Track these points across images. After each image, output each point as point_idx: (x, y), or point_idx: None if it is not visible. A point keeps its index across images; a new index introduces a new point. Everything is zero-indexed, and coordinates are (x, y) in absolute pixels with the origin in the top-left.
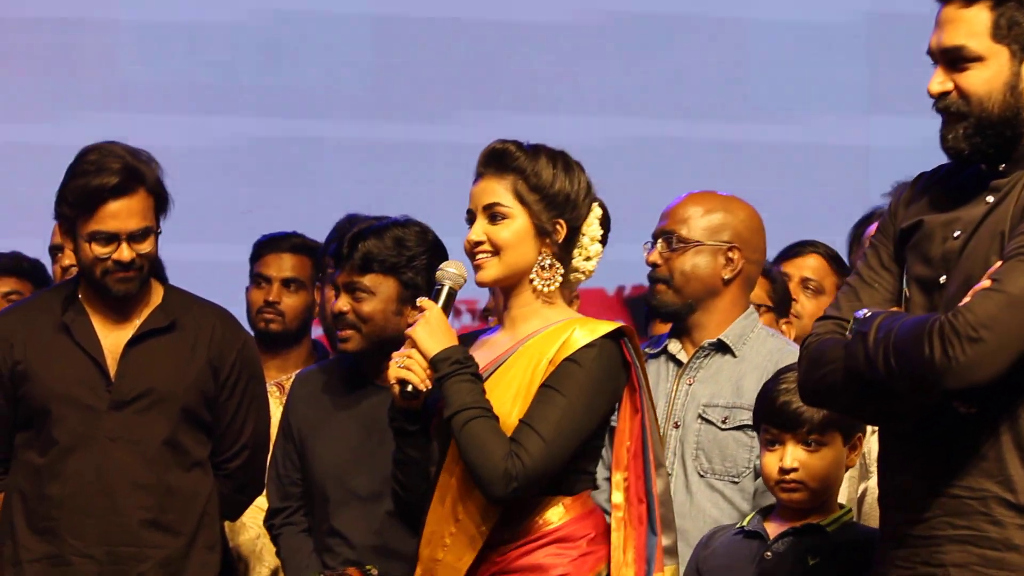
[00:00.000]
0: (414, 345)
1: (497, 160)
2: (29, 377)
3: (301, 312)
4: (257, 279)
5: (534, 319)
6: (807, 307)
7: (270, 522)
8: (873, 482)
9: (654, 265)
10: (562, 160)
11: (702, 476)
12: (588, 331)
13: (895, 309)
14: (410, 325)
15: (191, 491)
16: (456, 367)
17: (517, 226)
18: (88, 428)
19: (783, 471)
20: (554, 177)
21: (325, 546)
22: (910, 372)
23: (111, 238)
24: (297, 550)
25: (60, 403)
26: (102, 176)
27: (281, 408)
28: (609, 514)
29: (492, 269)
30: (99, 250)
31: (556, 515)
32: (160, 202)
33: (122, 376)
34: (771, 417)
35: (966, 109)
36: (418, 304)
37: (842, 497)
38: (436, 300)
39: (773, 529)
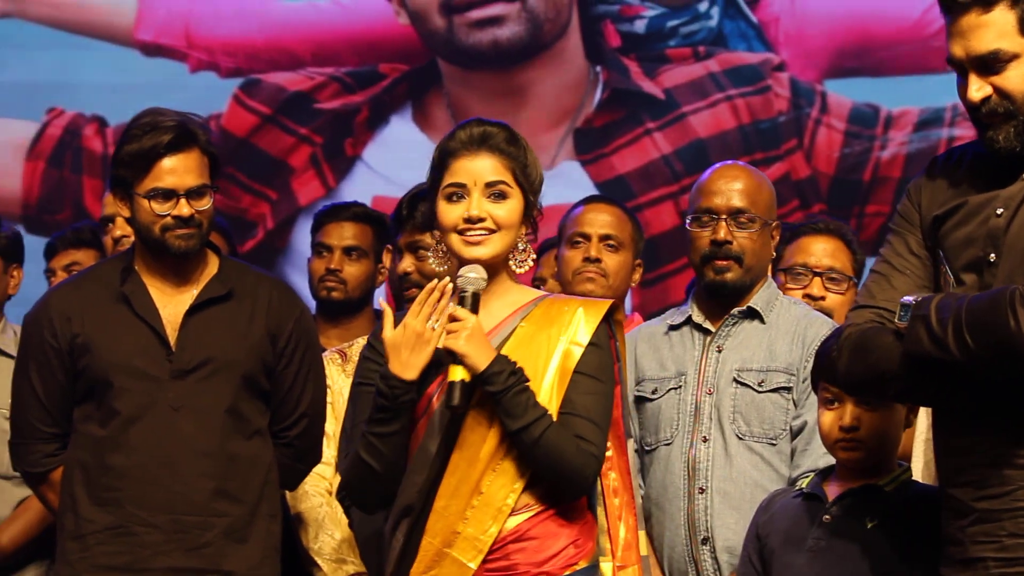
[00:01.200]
0: (457, 359)
1: (492, 140)
2: (89, 350)
3: (363, 280)
4: (319, 248)
5: (507, 297)
6: None
7: (341, 493)
8: None
9: (724, 242)
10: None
11: (741, 439)
12: (594, 312)
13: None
14: (447, 336)
15: (253, 459)
16: (513, 379)
17: (514, 206)
18: (150, 398)
19: (843, 429)
20: (536, 164)
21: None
22: (992, 346)
23: (169, 194)
24: (368, 520)
25: (121, 374)
26: (157, 135)
27: (342, 376)
28: None
29: (491, 246)
30: (158, 207)
31: None
32: (214, 163)
33: (182, 345)
34: (830, 375)
35: (1012, 108)
36: (452, 314)
37: (919, 459)
38: (466, 307)
39: (832, 491)
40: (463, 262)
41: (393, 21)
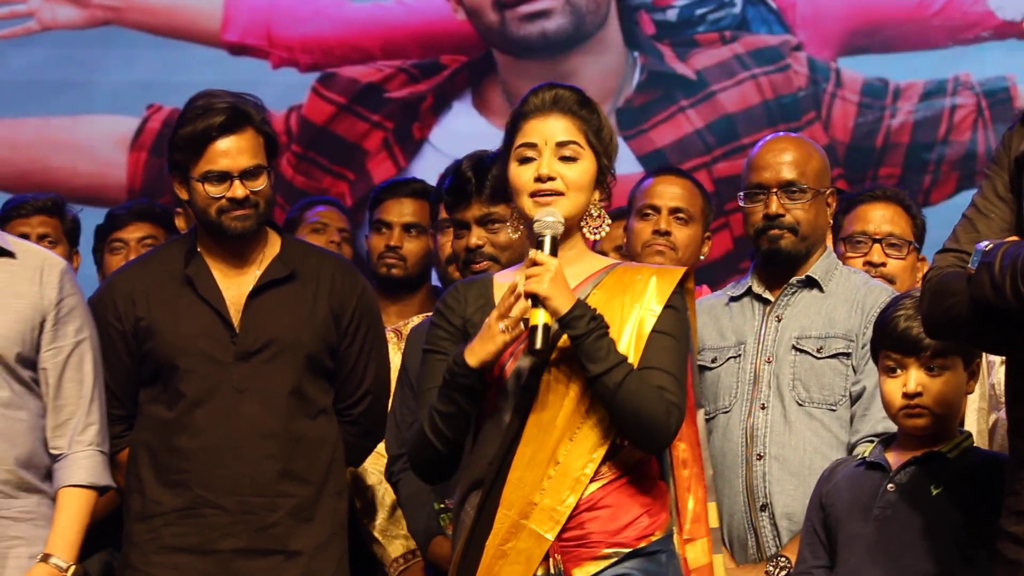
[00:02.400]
0: (539, 302)
1: (564, 101)
2: (154, 332)
3: (422, 257)
4: (377, 225)
5: (578, 264)
6: None
7: (390, 469)
8: (1003, 413)
9: (776, 216)
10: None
11: (800, 405)
12: (667, 279)
13: (1015, 238)
14: (528, 280)
15: (318, 439)
16: (594, 324)
17: (586, 168)
18: (215, 380)
19: (907, 396)
20: (611, 131)
21: (444, 488)
22: None
23: (223, 176)
24: (417, 492)
25: (186, 356)
26: (209, 117)
27: (396, 355)
28: None
29: (561, 207)
30: (212, 190)
31: (636, 453)
32: (270, 143)
33: (246, 327)
34: (893, 343)
35: None
36: (532, 258)
37: (971, 429)
38: (544, 251)
39: (895, 459)
40: (533, 231)
41: (451, 17)
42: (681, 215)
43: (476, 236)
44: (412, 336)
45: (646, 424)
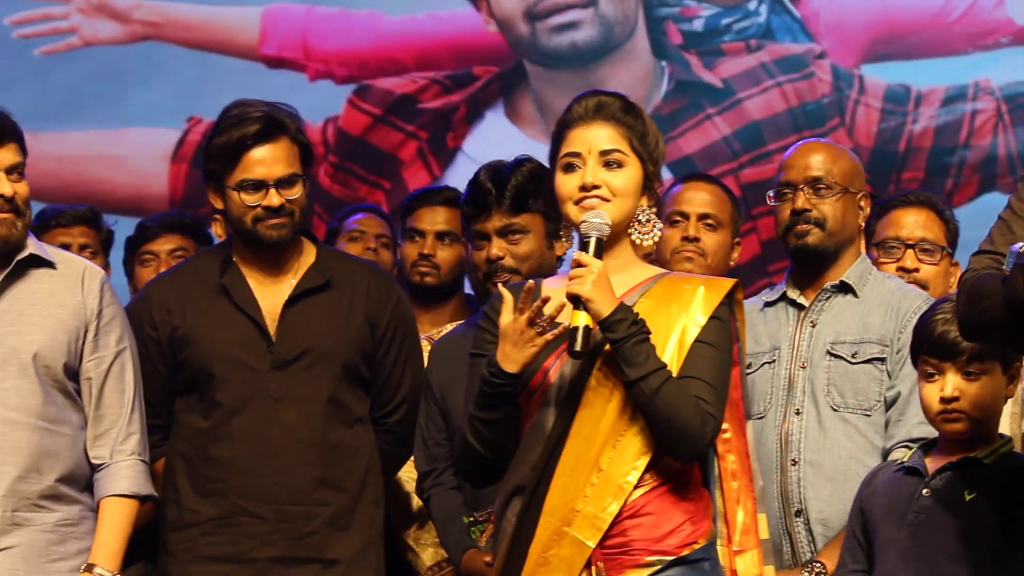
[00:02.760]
0: (580, 304)
1: (607, 108)
2: (190, 341)
3: (455, 265)
4: (411, 233)
5: (626, 272)
6: None
7: (420, 486)
8: None
9: (802, 210)
10: (653, 122)
11: (835, 410)
12: (716, 289)
13: None
14: (571, 281)
15: (355, 447)
16: (635, 328)
17: (631, 175)
18: (252, 389)
19: (944, 400)
20: (656, 136)
21: (474, 502)
22: None
23: (258, 185)
24: (446, 505)
25: (223, 365)
26: (244, 126)
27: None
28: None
29: (607, 212)
30: (248, 198)
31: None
32: (305, 152)
33: (282, 336)
34: (930, 348)
35: None
36: (576, 259)
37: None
38: (589, 252)
39: (933, 464)
40: (579, 232)
41: (483, 29)
42: (710, 221)
43: (496, 247)
44: (436, 350)
45: (680, 432)
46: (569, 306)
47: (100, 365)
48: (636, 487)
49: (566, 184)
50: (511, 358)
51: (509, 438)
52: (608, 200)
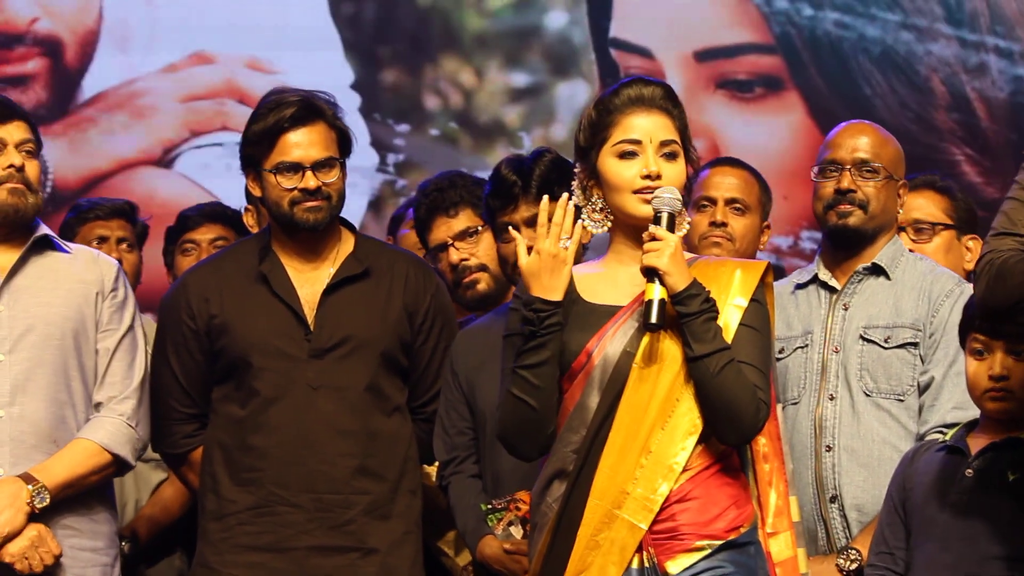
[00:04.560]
0: (656, 276)
1: (661, 100)
2: (227, 330)
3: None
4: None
5: None
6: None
7: (440, 474)
8: None
9: (848, 191)
10: None
11: (868, 395)
12: (752, 272)
13: None
14: (647, 254)
15: (393, 436)
16: (707, 305)
17: (683, 167)
18: (289, 378)
19: (992, 379)
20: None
21: (494, 490)
22: None
23: (295, 167)
24: (464, 493)
25: (260, 354)
26: (280, 110)
27: None
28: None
29: None
30: (285, 181)
31: (720, 444)
32: (342, 137)
33: (320, 325)
34: (981, 326)
35: None
36: (652, 233)
37: None
38: (662, 227)
39: (975, 444)
40: (634, 221)
41: None
42: (738, 205)
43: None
44: (462, 338)
45: (735, 416)
46: (621, 288)
47: (111, 337)
48: (684, 471)
49: (624, 171)
50: (551, 286)
51: (555, 385)
52: None
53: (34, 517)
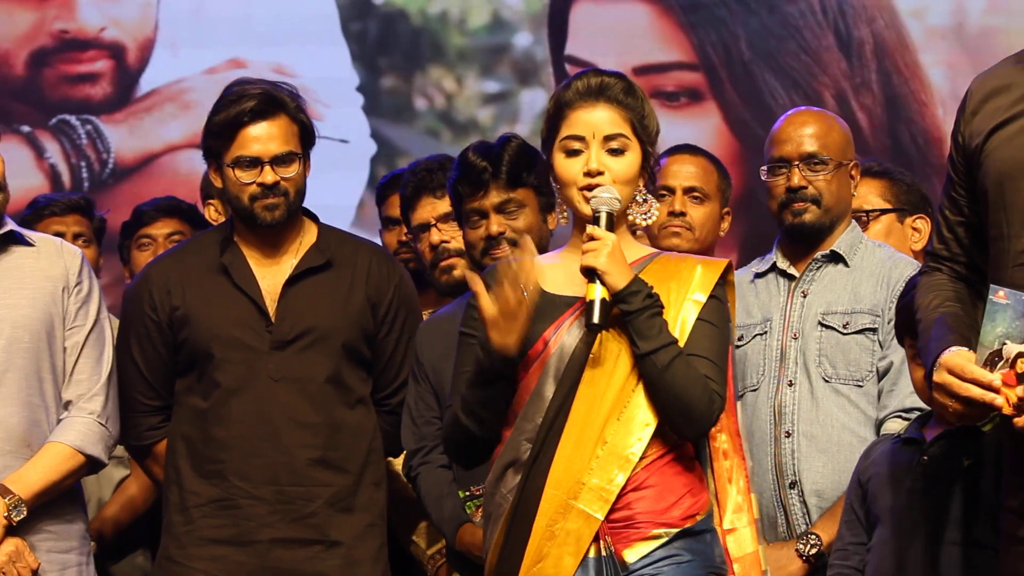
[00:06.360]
0: (594, 277)
1: (609, 91)
2: (189, 321)
3: None
4: (387, 222)
5: (624, 252)
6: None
7: (408, 464)
8: None
9: (798, 188)
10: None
11: (827, 381)
12: (712, 269)
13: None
14: (585, 254)
15: (356, 428)
16: (649, 301)
17: (633, 159)
18: (251, 370)
19: None
20: (652, 114)
21: (465, 480)
22: None
23: (254, 162)
24: (436, 483)
25: (222, 346)
26: (242, 103)
27: None
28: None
29: None
30: (243, 175)
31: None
32: (304, 131)
33: (282, 316)
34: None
35: None
36: (589, 233)
37: None
38: (599, 226)
39: (930, 434)
40: (583, 217)
41: None
42: (696, 194)
43: (496, 223)
44: (426, 328)
45: (687, 409)
46: (579, 279)
47: (77, 335)
48: (640, 459)
49: (568, 168)
50: (507, 338)
51: (502, 414)
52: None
53: (10, 528)
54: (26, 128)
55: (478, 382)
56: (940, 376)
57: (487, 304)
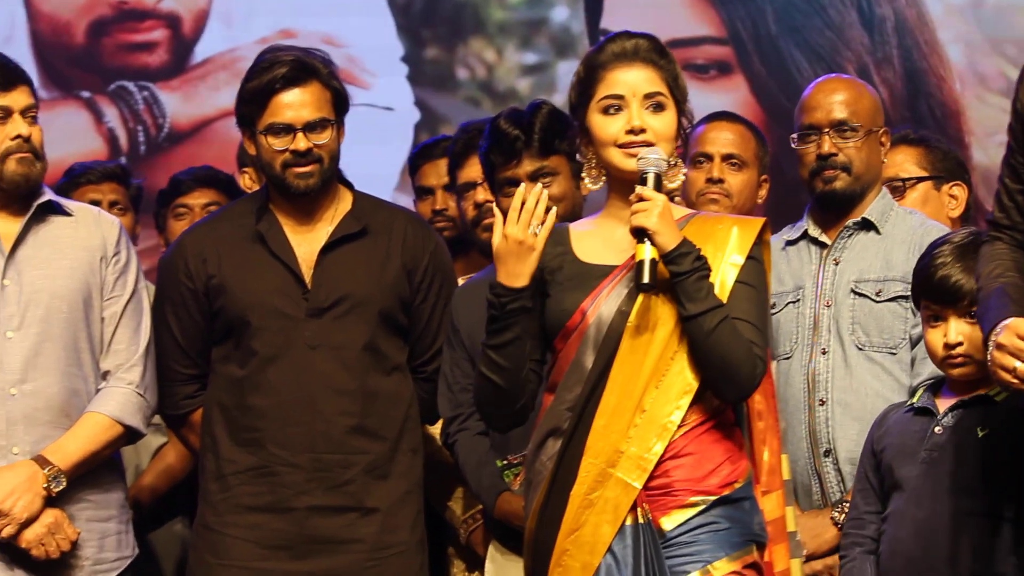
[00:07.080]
0: (646, 236)
1: (644, 51)
2: (225, 290)
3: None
4: (420, 192)
5: None
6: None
7: (445, 431)
8: None
9: (829, 155)
10: None
11: (860, 349)
12: (748, 229)
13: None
14: (635, 215)
15: (393, 395)
16: (698, 263)
17: (671, 118)
18: (287, 337)
19: (948, 346)
20: (682, 76)
21: (503, 446)
22: None
23: (287, 129)
24: (473, 450)
25: (258, 314)
26: (273, 70)
27: None
28: None
29: None
30: (275, 142)
31: (716, 400)
32: (337, 98)
33: (318, 284)
34: (931, 292)
35: None
36: (639, 194)
37: None
38: (647, 187)
39: (943, 404)
40: (622, 176)
41: None
42: (734, 161)
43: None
44: (461, 294)
45: (732, 373)
46: (615, 247)
47: (115, 305)
48: (678, 427)
49: (608, 127)
50: (516, 272)
51: (523, 364)
52: (652, 144)
53: (50, 499)
54: (86, 94)
55: (492, 329)
56: (1007, 338)
57: (496, 239)
